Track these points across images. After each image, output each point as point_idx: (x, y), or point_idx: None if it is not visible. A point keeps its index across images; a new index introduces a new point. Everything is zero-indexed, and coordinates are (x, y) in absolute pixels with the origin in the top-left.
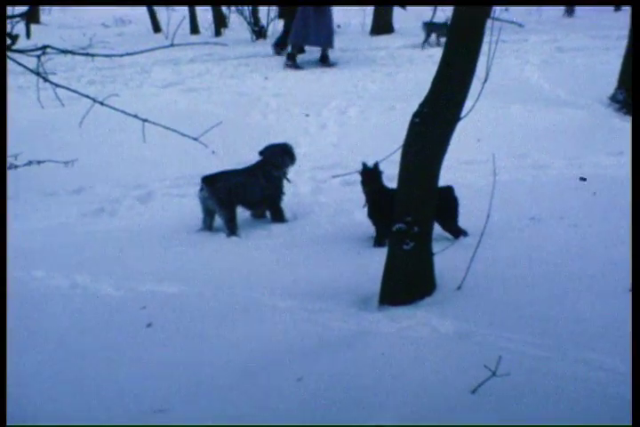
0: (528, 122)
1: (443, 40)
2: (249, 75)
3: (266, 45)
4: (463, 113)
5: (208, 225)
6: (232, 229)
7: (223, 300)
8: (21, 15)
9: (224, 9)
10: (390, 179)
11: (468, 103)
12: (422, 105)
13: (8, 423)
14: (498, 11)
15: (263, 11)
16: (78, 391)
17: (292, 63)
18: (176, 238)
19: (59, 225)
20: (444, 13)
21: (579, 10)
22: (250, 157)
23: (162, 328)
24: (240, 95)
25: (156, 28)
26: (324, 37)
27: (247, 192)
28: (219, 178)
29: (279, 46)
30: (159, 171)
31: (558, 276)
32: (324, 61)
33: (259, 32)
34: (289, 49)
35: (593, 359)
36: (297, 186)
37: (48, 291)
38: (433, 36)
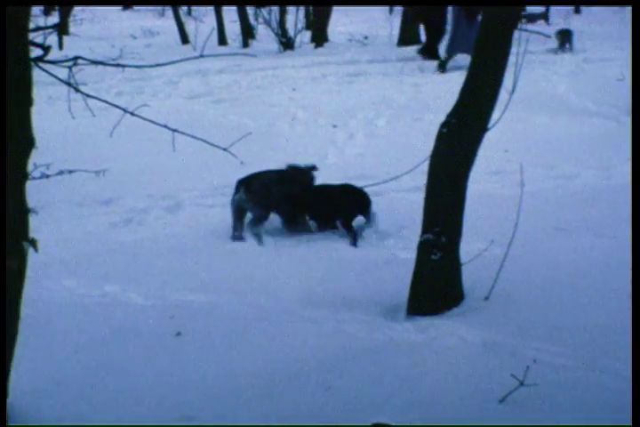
0: (555, 132)
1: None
2: (277, 86)
3: (294, 56)
4: (490, 124)
5: (239, 232)
6: (258, 225)
7: (251, 309)
8: (53, 26)
9: (252, 20)
10: (417, 189)
11: (496, 114)
12: (450, 115)
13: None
14: (524, 22)
15: (291, 22)
16: (106, 398)
17: (443, 70)
18: (204, 248)
19: (88, 235)
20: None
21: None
22: (278, 166)
23: (190, 337)
24: (268, 106)
25: (184, 39)
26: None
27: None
28: (254, 178)
29: (425, 54)
30: (188, 181)
31: (585, 286)
32: None
33: (286, 43)
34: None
35: (621, 369)
36: None
37: (78, 300)
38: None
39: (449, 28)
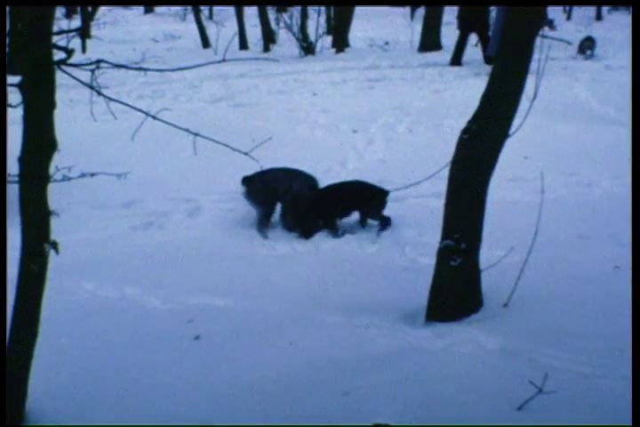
0: (576, 139)
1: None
2: (297, 90)
3: (315, 61)
4: (511, 130)
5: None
6: (262, 222)
7: (270, 314)
8: (77, 30)
9: (273, 25)
10: (437, 195)
11: (517, 121)
12: (471, 122)
13: None
14: (547, 29)
15: (312, 27)
16: (124, 401)
17: None
18: (223, 252)
19: (108, 238)
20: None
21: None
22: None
23: (209, 341)
24: (288, 111)
25: (205, 43)
26: None
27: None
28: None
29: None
30: (208, 185)
31: (605, 294)
32: None
33: (307, 48)
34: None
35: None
36: None
37: (98, 302)
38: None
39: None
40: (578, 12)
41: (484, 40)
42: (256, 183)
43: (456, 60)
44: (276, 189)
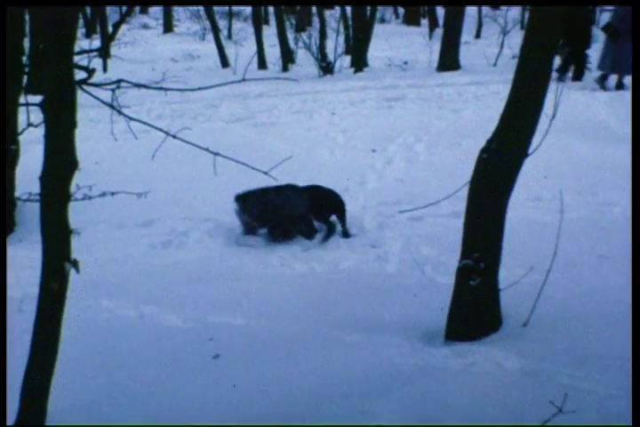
0: (595, 159)
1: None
2: (316, 110)
3: (334, 80)
4: (530, 149)
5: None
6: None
7: (289, 333)
8: (98, 50)
9: (291, 44)
10: (456, 215)
11: (536, 140)
12: (490, 141)
13: None
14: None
15: (330, 47)
16: (142, 420)
17: (603, 87)
18: (243, 271)
19: (128, 257)
20: None
21: None
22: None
23: (229, 360)
24: (307, 130)
25: (224, 62)
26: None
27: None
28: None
29: (563, 72)
30: (228, 204)
31: (625, 314)
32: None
33: (326, 68)
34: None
35: None
36: (363, 221)
37: (116, 321)
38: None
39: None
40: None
41: (579, 57)
42: (250, 201)
43: (563, 75)
44: (270, 207)
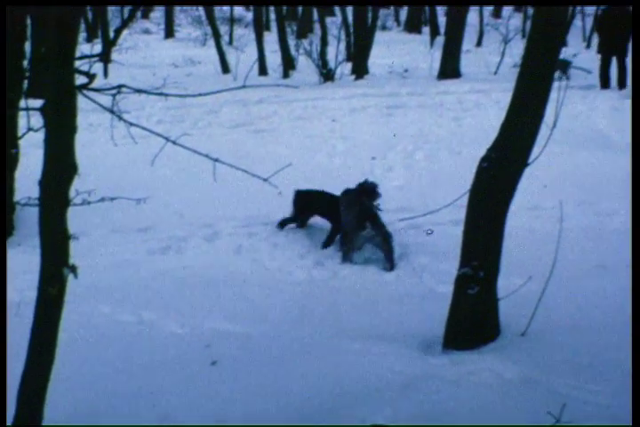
0: (595, 168)
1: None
2: (316, 117)
3: (334, 88)
4: (531, 159)
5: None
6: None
7: (287, 340)
8: (99, 55)
9: (292, 51)
10: (456, 223)
11: (536, 149)
12: (490, 150)
13: None
14: (568, 56)
15: (331, 53)
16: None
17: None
18: (241, 278)
19: (126, 262)
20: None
21: None
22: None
23: (226, 367)
24: (307, 137)
25: (225, 68)
26: None
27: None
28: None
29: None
30: (226, 210)
31: (623, 324)
32: None
33: (327, 75)
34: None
35: None
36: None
37: (115, 326)
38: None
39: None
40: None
41: (621, 66)
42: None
43: (604, 83)
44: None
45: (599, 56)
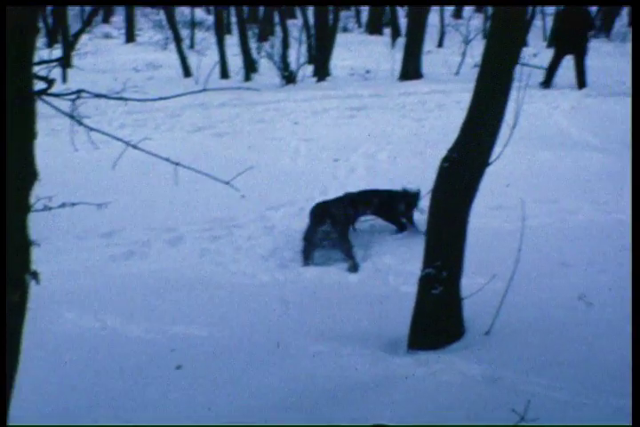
0: (557, 167)
1: None
2: (279, 119)
3: (296, 90)
4: (492, 158)
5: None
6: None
7: (253, 343)
8: (58, 60)
9: (254, 54)
10: (420, 223)
11: (497, 149)
12: (451, 150)
13: None
14: (527, 57)
15: (293, 56)
16: None
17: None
18: (205, 281)
19: (89, 268)
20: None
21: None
22: (280, 200)
23: (191, 371)
24: (270, 140)
25: (187, 72)
26: None
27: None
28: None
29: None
30: (189, 214)
31: (587, 322)
32: None
33: (288, 77)
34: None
35: (621, 405)
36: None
37: (79, 332)
38: None
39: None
40: None
41: (579, 65)
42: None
43: (547, 80)
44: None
45: (552, 51)
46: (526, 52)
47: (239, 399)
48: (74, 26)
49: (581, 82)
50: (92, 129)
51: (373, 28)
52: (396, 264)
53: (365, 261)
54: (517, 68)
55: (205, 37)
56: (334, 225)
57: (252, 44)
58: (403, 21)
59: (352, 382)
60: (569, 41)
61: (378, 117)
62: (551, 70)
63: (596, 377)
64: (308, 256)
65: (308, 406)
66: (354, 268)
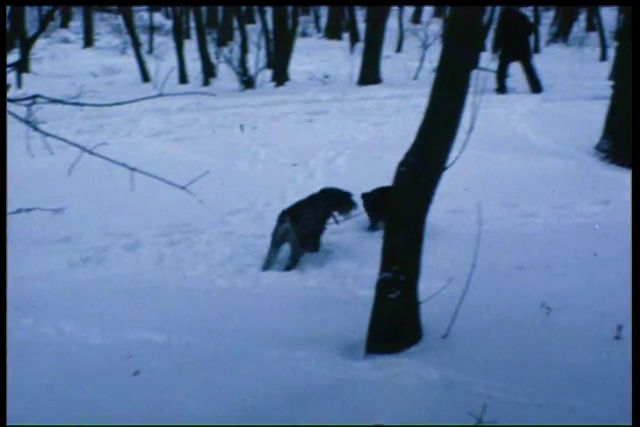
0: (515, 171)
1: None
2: (237, 124)
3: (255, 95)
4: (449, 163)
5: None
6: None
7: (210, 349)
8: (13, 65)
9: (213, 59)
10: (377, 228)
11: (455, 153)
12: (408, 154)
13: None
14: (485, 61)
15: (252, 61)
16: None
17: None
18: (163, 287)
19: (46, 274)
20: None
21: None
22: (238, 205)
23: (148, 377)
24: (228, 145)
25: (145, 77)
26: None
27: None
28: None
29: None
30: (147, 219)
31: (544, 325)
32: None
33: (247, 82)
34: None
35: (579, 407)
36: None
37: (35, 339)
38: None
39: None
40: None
41: (527, 70)
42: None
43: (500, 87)
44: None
45: (496, 58)
46: (484, 57)
47: (194, 407)
48: (31, 31)
49: (535, 86)
50: (47, 134)
51: (332, 32)
52: (354, 268)
53: (324, 265)
54: (474, 73)
55: (164, 42)
56: (294, 225)
57: (211, 49)
58: (362, 26)
59: (310, 387)
60: (511, 47)
61: (336, 122)
62: (501, 76)
63: (553, 379)
64: (268, 259)
65: (266, 410)
66: (287, 267)
